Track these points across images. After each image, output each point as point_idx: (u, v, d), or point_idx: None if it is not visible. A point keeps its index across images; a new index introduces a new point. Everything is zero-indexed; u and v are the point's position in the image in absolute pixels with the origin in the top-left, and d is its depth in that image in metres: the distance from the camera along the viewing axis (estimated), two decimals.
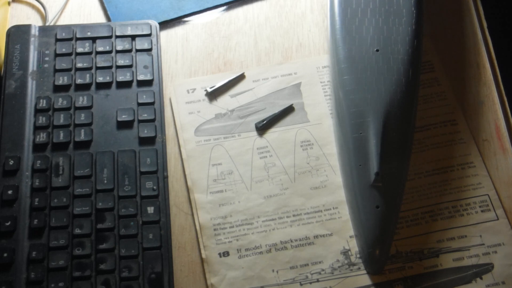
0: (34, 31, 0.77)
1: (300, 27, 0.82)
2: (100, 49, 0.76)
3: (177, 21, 0.82)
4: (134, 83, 0.75)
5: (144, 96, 0.74)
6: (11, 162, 0.69)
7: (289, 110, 0.76)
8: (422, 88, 0.77)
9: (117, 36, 0.77)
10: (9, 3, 0.82)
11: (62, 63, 0.75)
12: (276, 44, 0.81)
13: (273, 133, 0.74)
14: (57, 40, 0.77)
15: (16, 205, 0.67)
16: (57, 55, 0.76)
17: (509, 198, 0.71)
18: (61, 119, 0.72)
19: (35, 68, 0.75)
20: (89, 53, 0.76)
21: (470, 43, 0.80)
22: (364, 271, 0.67)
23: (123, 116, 0.72)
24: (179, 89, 0.77)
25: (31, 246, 0.65)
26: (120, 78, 0.75)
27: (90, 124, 0.72)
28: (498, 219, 0.70)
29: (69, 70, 0.75)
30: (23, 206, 0.67)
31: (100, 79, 0.75)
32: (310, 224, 0.69)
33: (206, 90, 0.76)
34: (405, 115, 0.71)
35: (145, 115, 0.73)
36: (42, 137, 0.71)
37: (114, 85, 0.75)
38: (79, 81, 0.74)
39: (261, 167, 0.72)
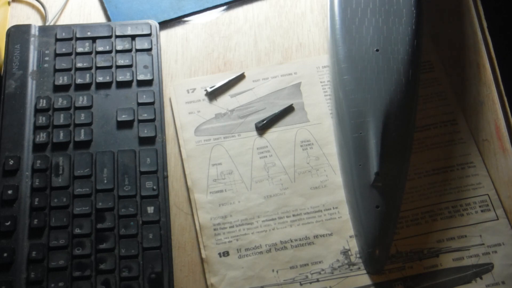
0: (34, 31, 0.77)
1: (300, 27, 0.82)
2: (100, 49, 0.76)
3: (177, 21, 0.82)
4: (134, 83, 0.75)
5: (144, 96, 0.74)
6: (11, 162, 0.69)
7: (289, 110, 0.76)
8: (422, 88, 0.77)
9: (117, 36, 0.77)
10: (9, 3, 0.82)
11: (62, 63, 0.75)
12: (276, 44, 0.81)
13: (273, 133, 0.74)
14: (57, 40, 0.77)
15: (16, 205, 0.67)
16: (57, 55, 0.76)
17: (509, 198, 0.71)
18: (61, 119, 0.72)
19: (35, 68, 0.75)
20: (89, 53, 0.76)
21: (470, 43, 0.80)
22: (364, 271, 0.67)
23: (123, 116, 0.72)
24: (179, 89, 0.77)
25: (31, 246, 0.65)
26: (120, 78, 0.75)
27: (90, 124, 0.72)
28: (498, 219, 0.70)
29: (69, 70, 0.75)
30: (23, 206, 0.67)
31: (100, 79, 0.75)
32: (310, 224, 0.69)
33: (206, 90, 0.76)
34: (405, 115, 0.71)
35: (145, 115, 0.73)
36: (42, 137, 0.71)
37: (114, 85, 0.75)
38: (79, 81, 0.74)
39: (261, 167, 0.72)
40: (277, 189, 0.71)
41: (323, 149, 0.73)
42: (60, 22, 0.81)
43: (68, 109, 0.73)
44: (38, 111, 0.72)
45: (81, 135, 0.71)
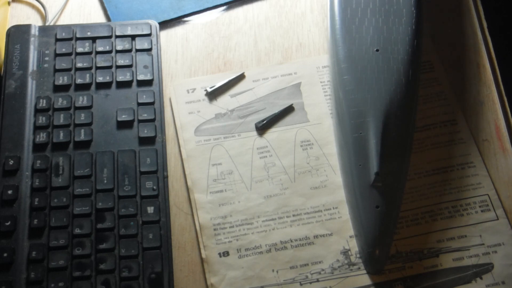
0: (34, 31, 0.77)
1: (300, 27, 0.82)
2: (100, 49, 0.76)
3: (177, 21, 0.82)
4: (134, 83, 0.75)
5: (144, 96, 0.74)
6: (11, 162, 0.69)
7: (289, 110, 0.76)
8: (422, 88, 0.77)
9: (117, 36, 0.77)
10: (9, 3, 0.82)
11: (62, 63, 0.75)
12: (276, 44, 0.81)
13: (273, 133, 0.74)
14: (57, 40, 0.77)
15: (16, 205, 0.67)
16: (57, 55, 0.76)
17: (509, 198, 0.71)
18: (61, 119, 0.72)
19: (35, 68, 0.75)
20: (89, 53, 0.76)
21: (470, 43, 0.80)
22: (364, 271, 0.67)
23: (123, 116, 0.72)
24: (179, 89, 0.77)
25: (31, 246, 0.65)
26: (120, 78, 0.75)
27: (90, 124, 0.72)
28: (498, 219, 0.70)
29: (69, 70, 0.75)
30: (23, 206, 0.67)
31: (100, 79, 0.75)
32: (310, 224, 0.69)
33: (206, 90, 0.76)
34: (405, 115, 0.71)
35: (145, 115, 0.73)
36: (42, 137, 0.71)
37: (114, 85, 0.75)
38: (79, 81, 0.74)
39: (261, 167, 0.72)
40: (277, 189, 0.71)
41: (323, 149, 0.73)
42: (60, 22, 0.81)
43: (68, 109, 0.73)
44: (38, 111, 0.72)
45: (81, 135, 0.71)
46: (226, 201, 0.70)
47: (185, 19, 0.82)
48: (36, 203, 0.67)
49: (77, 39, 0.77)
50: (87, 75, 0.75)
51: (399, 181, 0.69)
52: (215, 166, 0.72)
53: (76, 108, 0.73)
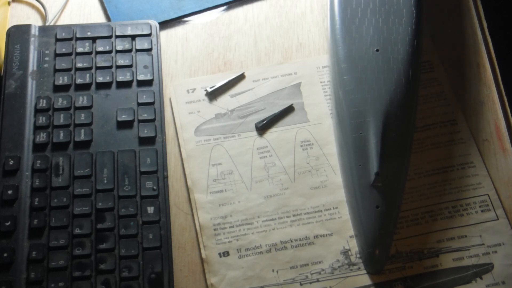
0: (34, 31, 0.77)
1: (300, 27, 0.82)
2: (100, 49, 0.76)
3: (177, 21, 0.82)
4: (134, 83, 0.75)
5: (144, 96, 0.74)
6: (11, 162, 0.69)
7: (289, 110, 0.76)
8: (422, 88, 0.77)
9: (117, 36, 0.77)
10: (9, 3, 0.82)
11: (62, 63, 0.75)
12: (276, 44, 0.81)
13: (273, 133, 0.74)
14: (57, 40, 0.77)
15: (16, 205, 0.67)
16: (57, 55, 0.76)
17: (509, 198, 0.71)
18: (61, 119, 0.72)
19: (35, 68, 0.75)
20: (89, 53, 0.76)
21: (470, 43, 0.80)
22: (364, 271, 0.67)
23: (123, 116, 0.72)
24: (179, 89, 0.77)
25: (31, 246, 0.65)
26: (120, 78, 0.75)
27: (90, 124, 0.72)
28: (498, 219, 0.70)
29: (69, 70, 0.75)
30: (23, 206, 0.67)
31: (100, 79, 0.75)
32: (310, 224, 0.69)
33: (206, 90, 0.76)
34: (405, 115, 0.71)
35: (145, 115, 0.73)
36: (42, 137, 0.71)
37: (114, 85, 0.75)
38: (79, 81, 0.74)
39: (261, 167, 0.72)
40: (277, 189, 0.71)
41: (323, 149, 0.73)
42: (60, 22, 0.81)
43: (68, 109, 0.73)
44: (38, 111, 0.72)
45: (81, 135, 0.71)
46: (226, 201, 0.70)
47: (185, 19, 0.82)
48: (36, 203, 0.67)
49: (77, 39, 0.77)
50: (87, 75, 0.75)
51: (399, 181, 0.69)
52: (215, 166, 0.72)
53: (76, 108, 0.73)
